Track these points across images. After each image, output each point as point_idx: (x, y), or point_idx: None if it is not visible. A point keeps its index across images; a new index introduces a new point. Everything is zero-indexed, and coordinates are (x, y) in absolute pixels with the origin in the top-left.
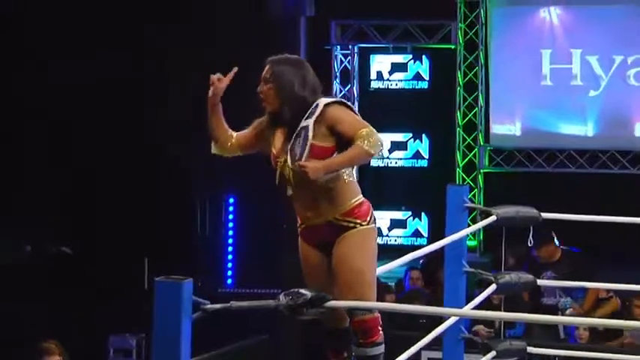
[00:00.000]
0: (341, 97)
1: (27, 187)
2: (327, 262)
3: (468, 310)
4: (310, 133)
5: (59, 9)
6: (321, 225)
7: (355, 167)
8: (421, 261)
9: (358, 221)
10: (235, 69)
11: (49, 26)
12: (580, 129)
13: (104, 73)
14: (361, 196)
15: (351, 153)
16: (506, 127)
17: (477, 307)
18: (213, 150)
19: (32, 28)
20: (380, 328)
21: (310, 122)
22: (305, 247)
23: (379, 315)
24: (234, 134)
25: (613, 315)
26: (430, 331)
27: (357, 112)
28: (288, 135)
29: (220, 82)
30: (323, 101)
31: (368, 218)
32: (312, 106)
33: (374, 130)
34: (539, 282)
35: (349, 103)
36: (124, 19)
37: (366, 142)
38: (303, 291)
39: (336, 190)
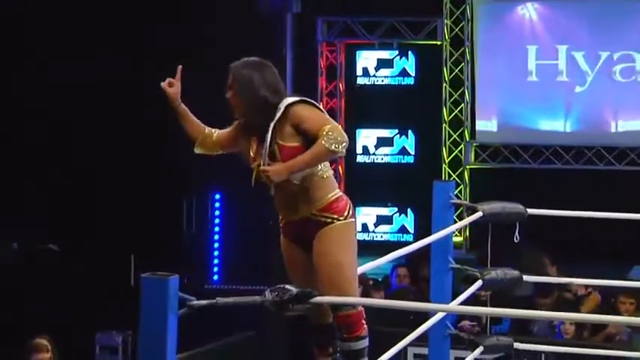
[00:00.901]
0: (327, 93)
1: (9, 185)
2: (308, 258)
3: (454, 305)
4: (269, 136)
5: (59, 9)
6: (299, 221)
7: (342, 163)
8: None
9: (335, 216)
10: (180, 67)
11: (49, 26)
12: (562, 125)
13: (104, 73)
14: (338, 190)
15: (313, 151)
16: (483, 123)
17: (464, 304)
18: (196, 150)
19: (32, 28)
20: (364, 322)
21: (271, 126)
22: (286, 243)
23: (363, 309)
24: (215, 132)
25: (596, 310)
26: (417, 328)
27: (322, 109)
28: (260, 138)
29: (171, 86)
30: (286, 101)
31: (345, 213)
32: (280, 108)
33: (338, 126)
34: (525, 278)
35: (313, 101)
36: (124, 19)
37: (327, 139)
38: (288, 287)
39: (312, 187)
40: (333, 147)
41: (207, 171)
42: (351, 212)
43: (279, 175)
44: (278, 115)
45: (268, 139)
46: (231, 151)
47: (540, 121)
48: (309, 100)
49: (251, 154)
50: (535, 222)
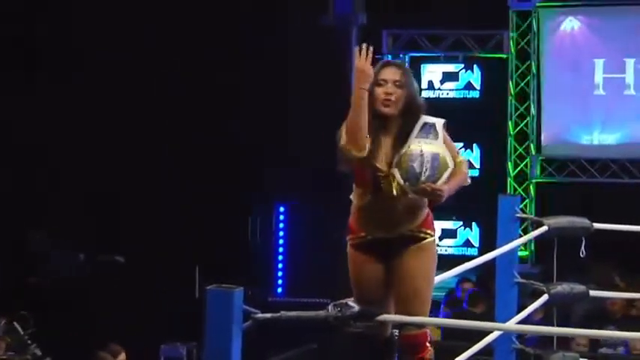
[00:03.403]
0: None
1: (74, 198)
2: (384, 273)
3: (518, 325)
4: (449, 159)
5: (62, 8)
6: (391, 238)
7: None
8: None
9: (429, 231)
10: (371, 48)
11: (54, 26)
12: (629, 138)
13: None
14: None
15: (460, 179)
16: (549, 137)
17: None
18: (353, 151)
19: (39, 29)
20: (429, 345)
21: (440, 144)
22: (362, 259)
23: (428, 331)
24: None
25: None
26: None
27: None
28: (393, 145)
29: (370, 69)
30: (438, 124)
31: (433, 229)
32: (420, 122)
33: None
34: (592, 293)
35: None
36: (124, 19)
37: (465, 168)
38: (351, 303)
39: (420, 204)
40: (469, 178)
41: (272, 182)
42: (434, 228)
43: (445, 197)
44: (442, 134)
45: (449, 163)
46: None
47: (607, 135)
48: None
49: (377, 163)
50: (605, 236)
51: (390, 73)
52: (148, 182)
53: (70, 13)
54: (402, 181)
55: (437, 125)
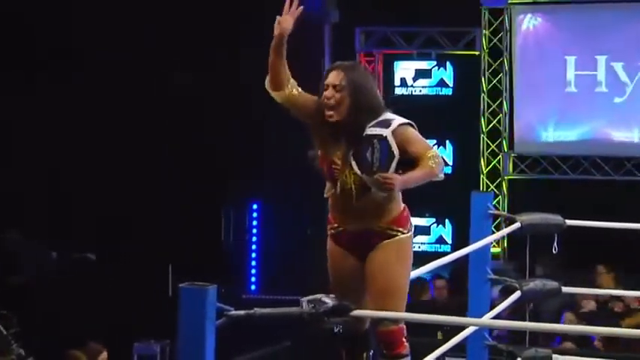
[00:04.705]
0: None
1: (46, 194)
2: (358, 266)
3: (492, 320)
4: (394, 147)
5: (62, 9)
6: (361, 231)
7: None
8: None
9: (400, 229)
10: (301, 8)
11: (54, 25)
12: (600, 135)
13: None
14: (402, 203)
15: (425, 172)
16: (521, 134)
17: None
18: (271, 90)
19: (37, 28)
20: (405, 340)
21: (388, 133)
22: (336, 250)
23: (404, 326)
24: (296, 86)
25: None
26: (453, 337)
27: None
28: (350, 143)
29: (285, 21)
30: (397, 120)
31: (408, 226)
32: (380, 118)
33: (437, 152)
34: (565, 289)
35: (414, 124)
36: (124, 19)
37: (433, 162)
38: (325, 299)
39: (389, 201)
40: (438, 171)
41: (245, 180)
42: (411, 225)
43: (398, 187)
44: (392, 126)
45: (395, 150)
46: (293, 112)
47: (578, 132)
48: (412, 123)
49: (334, 158)
50: (591, 231)
51: (331, 78)
52: (120, 179)
53: (70, 13)
54: (359, 172)
55: (394, 121)
